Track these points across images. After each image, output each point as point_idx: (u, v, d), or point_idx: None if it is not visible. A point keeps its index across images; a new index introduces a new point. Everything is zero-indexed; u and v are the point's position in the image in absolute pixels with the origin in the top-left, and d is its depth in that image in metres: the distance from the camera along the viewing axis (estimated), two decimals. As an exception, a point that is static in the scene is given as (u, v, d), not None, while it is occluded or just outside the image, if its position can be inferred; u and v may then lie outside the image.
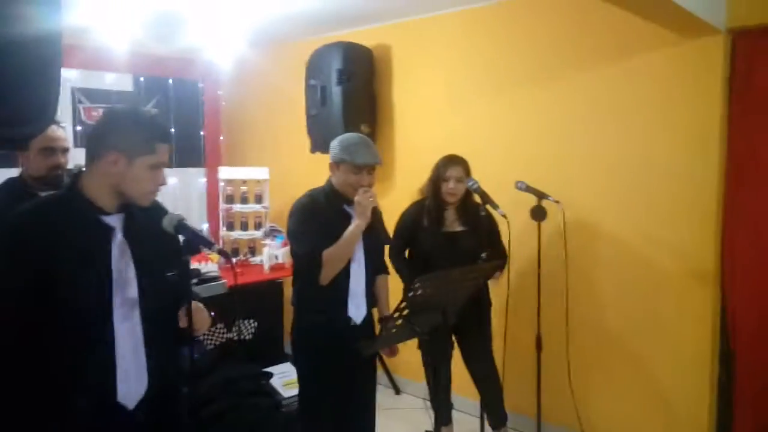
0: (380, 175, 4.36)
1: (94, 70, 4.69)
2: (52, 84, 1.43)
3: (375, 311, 2.72)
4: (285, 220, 2.60)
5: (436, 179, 3.03)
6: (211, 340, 3.62)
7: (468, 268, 2.62)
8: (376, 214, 2.52)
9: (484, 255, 2.88)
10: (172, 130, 4.90)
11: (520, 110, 3.60)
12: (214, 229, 4.97)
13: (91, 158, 1.62)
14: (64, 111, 4.45)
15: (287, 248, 4.07)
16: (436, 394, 3.09)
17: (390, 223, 3.21)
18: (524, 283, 3.39)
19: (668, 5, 2.42)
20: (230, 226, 4.74)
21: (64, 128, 2.66)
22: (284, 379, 3.57)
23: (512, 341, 3.17)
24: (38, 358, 1.53)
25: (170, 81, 5.19)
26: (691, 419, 3.07)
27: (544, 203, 3.00)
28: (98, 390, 1.59)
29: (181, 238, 1.71)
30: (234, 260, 1.79)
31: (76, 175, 1.65)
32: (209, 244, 1.78)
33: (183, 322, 1.67)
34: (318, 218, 2.46)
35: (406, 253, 3.19)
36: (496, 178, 3.25)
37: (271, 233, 4.51)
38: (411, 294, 2.06)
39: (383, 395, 4.26)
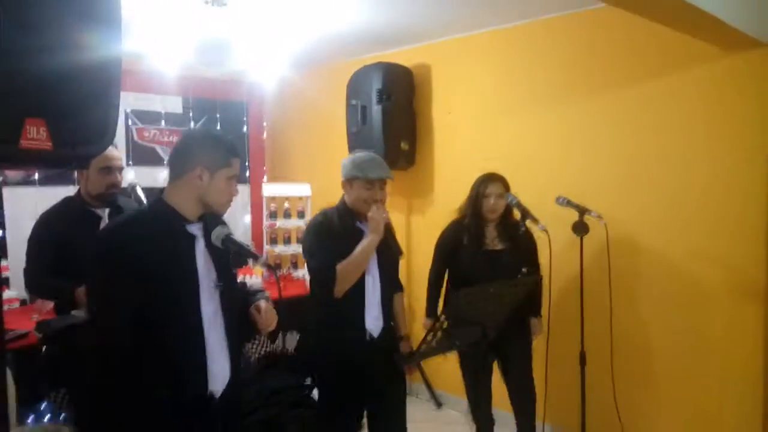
0: (419, 191, 4.42)
1: (146, 93, 4.90)
2: (111, 107, 1.51)
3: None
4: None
5: (476, 197, 3.03)
6: (255, 351, 3.70)
7: (507, 282, 2.62)
8: (388, 229, 2.56)
9: (524, 270, 2.88)
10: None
11: (559, 127, 3.60)
12: (258, 244, 5.10)
13: (178, 173, 1.81)
14: (118, 132, 4.63)
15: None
16: (476, 408, 3.08)
17: (429, 240, 3.25)
18: (566, 298, 3.36)
19: (711, 20, 2.41)
20: (273, 241, 4.86)
21: (118, 148, 2.81)
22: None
23: (556, 356, 3.14)
24: (144, 351, 1.70)
25: (217, 102, 5.39)
26: (742, 439, 2.98)
27: (586, 218, 2.98)
28: (194, 377, 1.76)
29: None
30: (278, 273, 1.87)
31: (161, 190, 1.84)
32: (255, 257, 1.86)
33: (256, 319, 1.90)
34: (332, 235, 2.51)
35: (445, 274, 3.17)
36: (536, 195, 3.24)
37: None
38: (449, 305, 2.09)
39: (424, 409, 4.26)
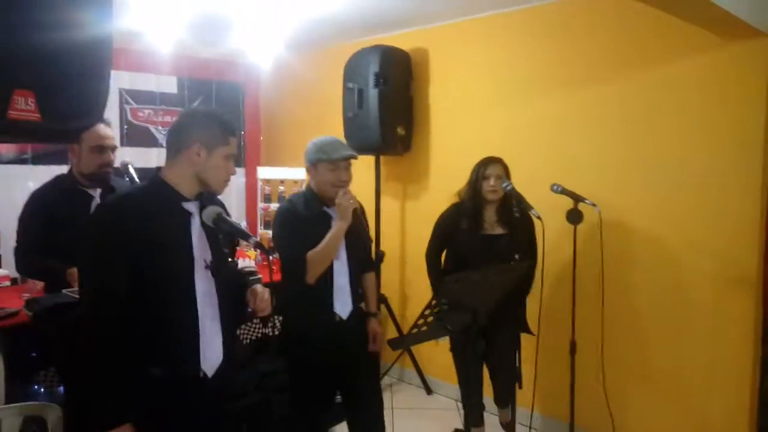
0: (415, 177, 4.41)
1: (141, 73, 4.85)
2: (102, 83, 1.51)
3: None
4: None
5: (476, 180, 3.02)
6: (249, 334, 3.70)
7: (500, 267, 2.61)
8: (357, 215, 2.55)
9: (517, 256, 2.88)
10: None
11: (557, 114, 3.58)
12: (252, 227, 5.09)
13: (176, 150, 1.81)
14: (112, 111, 4.62)
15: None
16: (467, 394, 3.09)
17: (424, 226, 3.24)
18: (559, 286, 3.37)
19: (712, 8, 2.39)
20: (267, 225, 4.84)
21: (111, 127, 2.79)
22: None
23: (546, 345, 3.15)
24: (136, 321, 1.70)
25: (213, 83, 5.34)
26: (731, 427, 3.00)
27: (581, 206, 2.97)
28: (184, 355, 1.76)
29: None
30: (271, 256, 1.87)
31: (158, 168, 1.85)
32: (247, 236, 1.85)
33: (251, 303, 1.90)
34: (299, 222, 2.51)
35: (443, 255, 3.18)
36: (531, 182, 3.23)
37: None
38: (442, 290, 2.09)
39: (415, 395, 4.29)
